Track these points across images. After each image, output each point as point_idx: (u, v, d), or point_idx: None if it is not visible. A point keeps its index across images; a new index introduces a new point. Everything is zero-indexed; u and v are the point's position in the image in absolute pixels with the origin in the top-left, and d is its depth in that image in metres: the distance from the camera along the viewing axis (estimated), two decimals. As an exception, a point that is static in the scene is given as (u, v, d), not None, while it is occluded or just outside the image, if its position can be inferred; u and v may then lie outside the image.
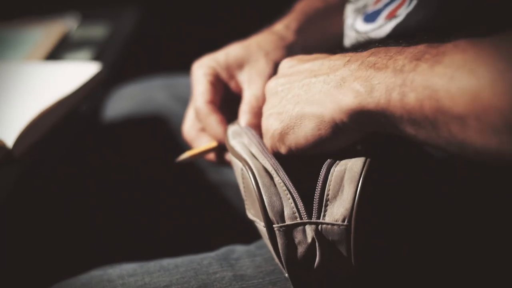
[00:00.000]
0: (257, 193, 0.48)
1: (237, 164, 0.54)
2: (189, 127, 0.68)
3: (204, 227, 0.82)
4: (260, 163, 0.51)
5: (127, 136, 0.85)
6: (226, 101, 0.66)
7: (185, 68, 0.86)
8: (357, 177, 0.45)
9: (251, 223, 0.55)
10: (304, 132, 0.49)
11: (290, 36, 0.69)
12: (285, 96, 0.52)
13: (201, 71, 0.66)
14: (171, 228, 0.81)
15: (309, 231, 0.46)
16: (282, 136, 0.51)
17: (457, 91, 0.37)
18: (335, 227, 0.46)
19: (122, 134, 0.85)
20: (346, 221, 0.45)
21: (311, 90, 0.49)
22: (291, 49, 0.68)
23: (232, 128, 0.60)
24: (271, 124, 0.53)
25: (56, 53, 0.94)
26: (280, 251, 0.47)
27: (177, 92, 0.89)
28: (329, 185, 0.46)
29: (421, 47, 0.42)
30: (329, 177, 0.47)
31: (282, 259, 0.47)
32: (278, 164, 0.50)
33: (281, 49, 0.67)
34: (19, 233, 0.74)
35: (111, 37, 1.00)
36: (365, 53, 0.46)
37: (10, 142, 0.64)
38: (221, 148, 0.65)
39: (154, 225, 0.81)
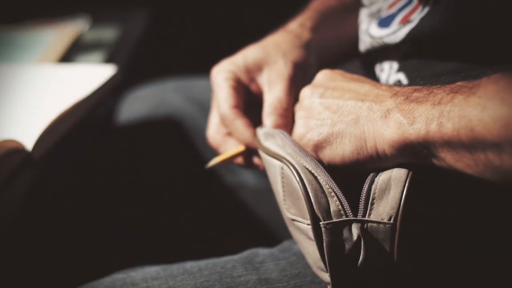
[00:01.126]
0: (302, 189, 0.48)
1: (274, 164, 0.54)
2: (214, 133, 0.68)
3: (219, 229, 0.82)
4: (299, 162, 0.51)
5: (142, 139, 0.85)
6: (248, 103, 0.66)
7: (197, 69, 0.86)
8: (404, 178, 0.46)
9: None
10: (342, 151, 0.50)
11: (305, 34, 0.68)
12: (326, 110, 0.53)
13: (222, 76, 0.65)
14: (187, 230, 0.81)
15: (355, 229, 0.47)
16: (316, 147, 0.53)
17: (489, 120, 0.39)
18: (381, 225, 0.46)
19: (136, 137, 0.85)
20: (392, 220, 0.46)
21: (356, 113, 0.50)
22: (308, 48, 0.67)
23: (262, 130, 0.60)
24: (306, 132, 0.54)
25: (69, 55, 0.94)
26: (325, 248, 0.47)
27: (191, 94, 0.89)
28: (375, 187, 0.47)
29: (459, 83, 0.44)
30: (376, 180, 0.48)
31: (326, 257, 0.47)
32: (318, 163, 0.50)
33: (298, 48, 0.67)
34: (39, 237, 0.74)
35: (122, 39, 1.00)
36: (410, 89, 0.48)
37: (29, 145, 0.64)
38: (249, 152, 0.65)
39: (169, 227, 0.81)
